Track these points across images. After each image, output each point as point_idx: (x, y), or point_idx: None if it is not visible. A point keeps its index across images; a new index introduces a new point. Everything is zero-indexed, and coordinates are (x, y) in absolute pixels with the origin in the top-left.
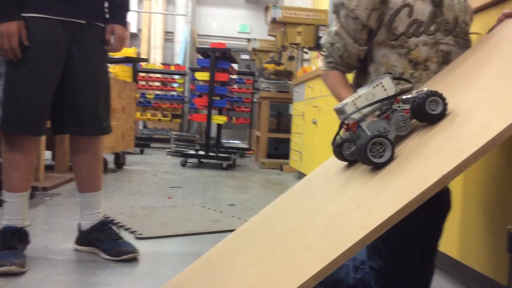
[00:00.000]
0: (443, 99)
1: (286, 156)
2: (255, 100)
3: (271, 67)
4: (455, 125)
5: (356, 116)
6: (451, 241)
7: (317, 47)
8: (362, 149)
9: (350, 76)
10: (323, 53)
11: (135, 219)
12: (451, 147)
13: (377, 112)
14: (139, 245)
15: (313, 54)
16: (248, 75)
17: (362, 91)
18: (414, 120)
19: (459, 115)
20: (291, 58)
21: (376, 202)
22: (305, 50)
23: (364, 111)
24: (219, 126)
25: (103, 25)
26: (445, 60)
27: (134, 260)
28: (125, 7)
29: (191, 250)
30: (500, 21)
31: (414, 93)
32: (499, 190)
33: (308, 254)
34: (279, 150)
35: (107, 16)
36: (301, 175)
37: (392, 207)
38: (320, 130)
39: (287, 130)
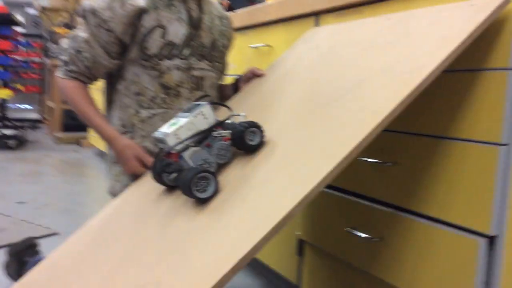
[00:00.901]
0: (261, 130)
1: (85, 128)
2: (45, 62)
3: (63, 31)
4: (271, 163)
5: (178, 146)
6: None
7: None
8: (187, 185)
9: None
10: (61, 58)
11: None
12: (264, 212)
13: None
14: None
15: None
16: (36, 37)
17: (182, 120)
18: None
19: (276, 149)
20: None
21: (177, 281)
22: None
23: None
24: (4, 99)
25: None
26: (198, 86)
27: None
28: None
29: None
30: (251, 74)
31: (233, 120)
32: None
33: None
34: (77, 121)
35: None
36: (102, 153)
37: None
38: None
39: None
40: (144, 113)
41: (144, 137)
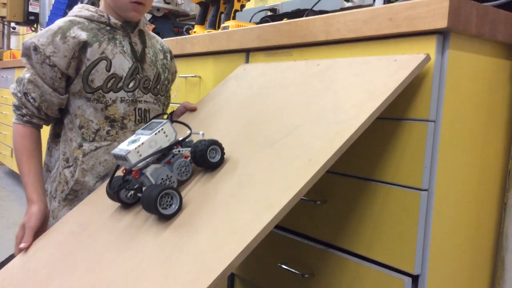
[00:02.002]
0: (222, 148)
1: None
2: None
3: None
4: (234, 181)
5: (139, 164)
6: None
7: (27, 22)
8: (152, 201)
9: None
10: (14, 103)
11: None
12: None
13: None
14: None
15: (23, 30)
16: None
17: (143, 137)
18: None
19: (237, 167)
20: None
21: None
22: (13, 25)
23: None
24: None
25: None
26: (143, 118)
27: None
28: None
29: None
30: (183, 108)
31: (191, 139)
32: None
33: None
34: None
35: None
36: (13, 172)
37: None
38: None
39: None
40: (87, 146)
41: (85, 171)
